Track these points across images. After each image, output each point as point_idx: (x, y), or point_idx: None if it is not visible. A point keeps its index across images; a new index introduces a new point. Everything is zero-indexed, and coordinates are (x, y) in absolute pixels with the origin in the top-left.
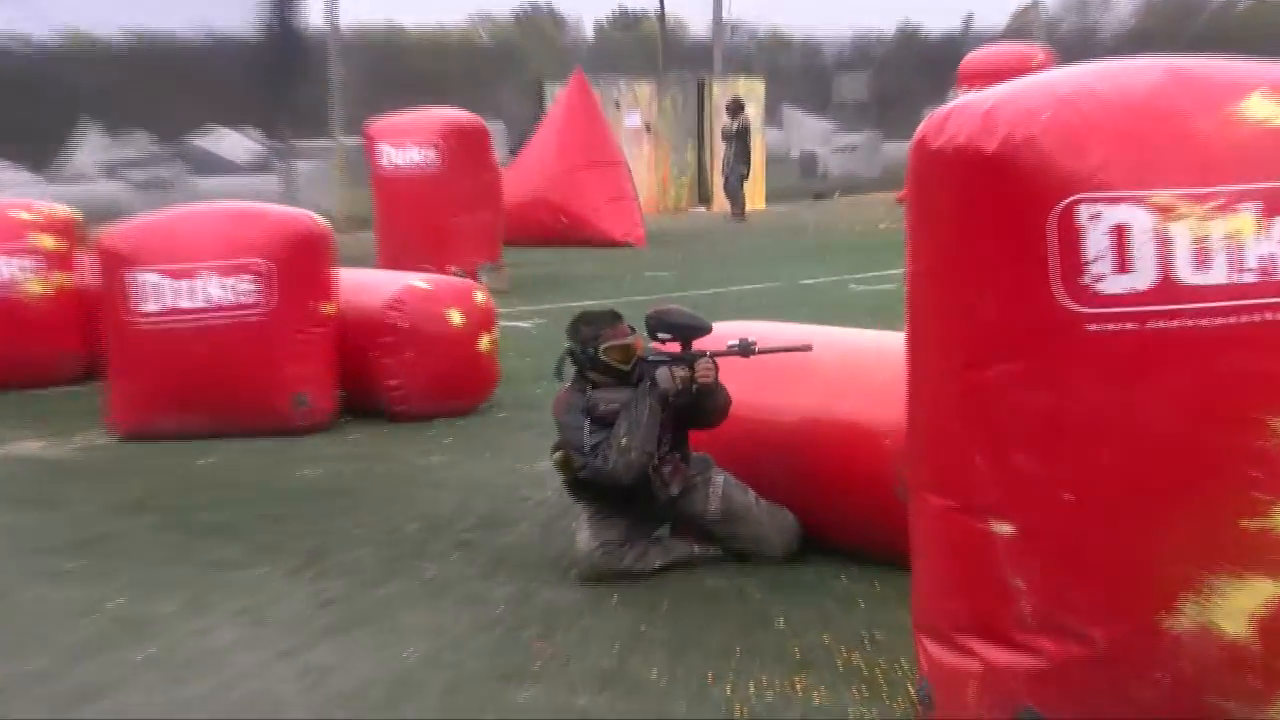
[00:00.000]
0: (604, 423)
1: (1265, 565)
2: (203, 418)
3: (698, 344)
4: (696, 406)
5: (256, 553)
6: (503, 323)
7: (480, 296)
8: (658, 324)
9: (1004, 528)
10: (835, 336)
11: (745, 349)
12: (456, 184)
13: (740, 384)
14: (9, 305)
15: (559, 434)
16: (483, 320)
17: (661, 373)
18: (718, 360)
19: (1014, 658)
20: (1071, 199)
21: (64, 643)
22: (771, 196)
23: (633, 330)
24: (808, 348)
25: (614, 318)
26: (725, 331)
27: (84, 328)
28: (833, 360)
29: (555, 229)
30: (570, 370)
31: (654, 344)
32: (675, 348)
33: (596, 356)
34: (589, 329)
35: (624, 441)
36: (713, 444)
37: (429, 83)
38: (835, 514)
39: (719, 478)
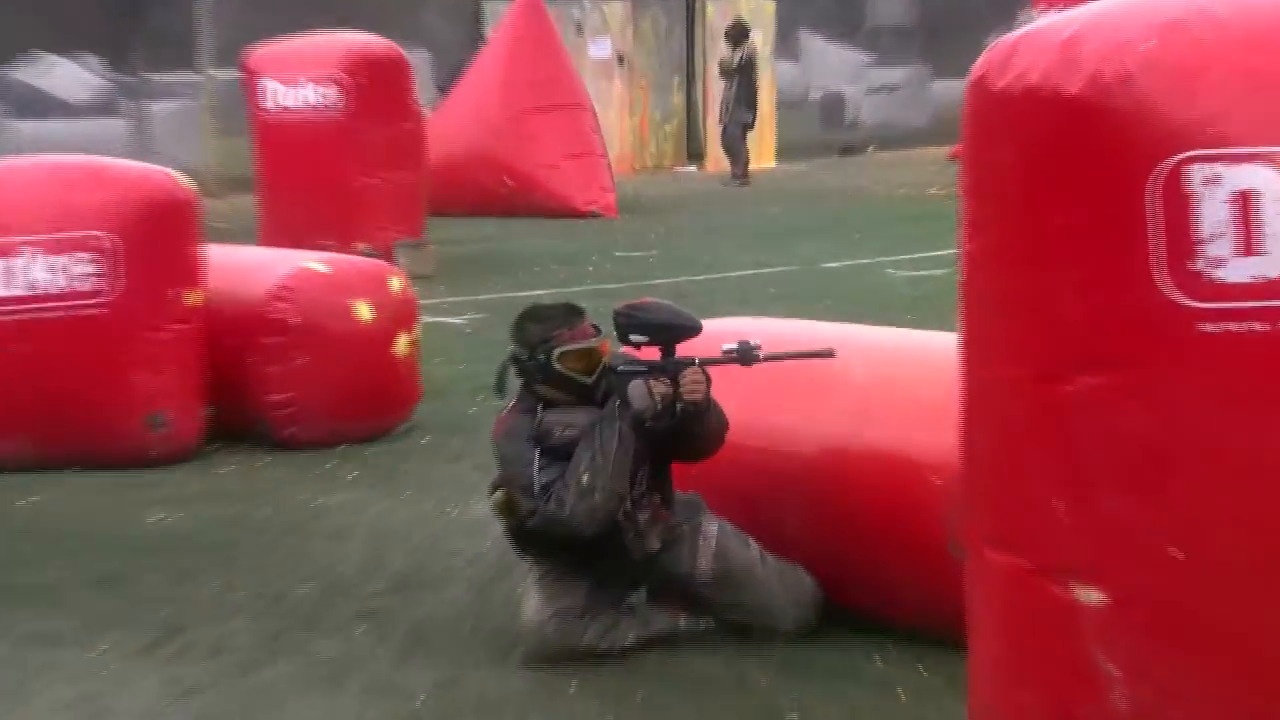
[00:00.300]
0: (559, 454)
1: None
2: (24, 443)
3: (683, 349)
4: (682, 432)
5: (94, 625)
6: (426, 318)
7: (397, 284)
8: (631, 322)
9: (1092, 594)
10: (866, 339)
11: (746, 355)
12: (365, 133)
13: (740, 402)
14: None
15: (500, 468)
16: (400, 315)
17: (636, 387)
18: (710, 370)
19: None
20: (1180, 157)
21: None
22: (784, 152)
23: (598, 331)
24: (830, 354)
25: (572, 314)
26: (720, 332)
27: None
28: (863, 370)
29: (497, 194)
30: (515, 384)
31: (626, 349)
32: (655, 354)
33: (549, 365)
34: (539, 328)
35: (585, 480)
36: (704, 482)
37: None
38: (867, 574)
39: (712, 526)
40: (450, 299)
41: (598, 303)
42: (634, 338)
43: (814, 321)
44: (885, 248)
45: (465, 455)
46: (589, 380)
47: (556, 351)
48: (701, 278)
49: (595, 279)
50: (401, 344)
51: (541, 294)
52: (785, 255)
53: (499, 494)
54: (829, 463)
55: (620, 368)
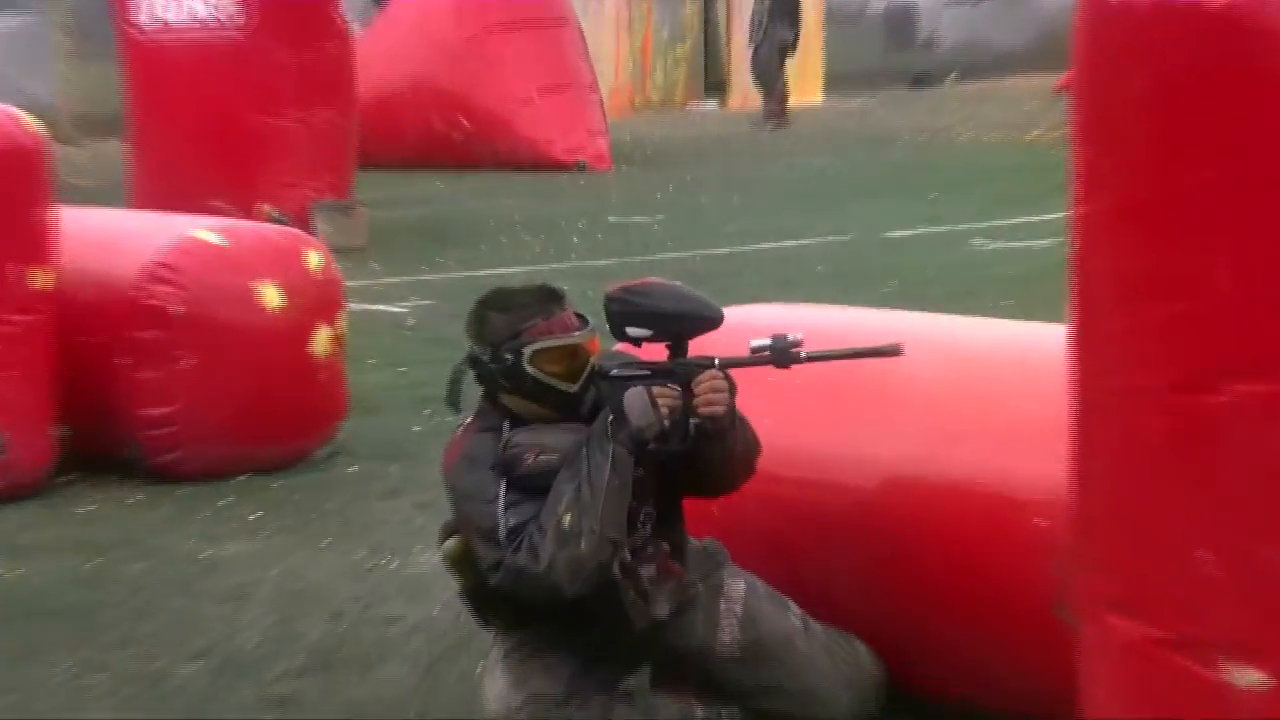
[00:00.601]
0: (533, 487)
1: None
2: None
3: (697, 346)
4: (698, 457)
5: None
6: (355, 306)
7: (316, 260)
8: (629, 311)
9: (1249, 676)
10: (945, 334)
11: (783, 354)
12: (272, 59)
13: (776, 418)
14: None
15: (453, 507)
16: (319, 302)
17: (635, 398)
18: (734, 375)
19: None
20: None
21: None
22: (835, 83)
23: (584, 322)
24: (896, 351)
25: (550, 300)
26: (748, 324)
27: None
28: (940, 375)
29: (450, 139)
30: (474, 394)
31: (621, 346)
32: (660, 353)
33: (519, 369)
34: (506, 320)
35: (568, 522)
36: (727, 524)
37: None
38: (945, 647)
39: (738, 585)
40: (387, 280)
41: (584, 285)
42: (632, 331)
43: (874, 310)
44: (971, 211)
45: (406, 489)
46: (572, 388)
47: (529, 350)
48: (724, 251)
49: (582, 253)
50: (321, 341)
51: (510, 273)
52: (836, 221)
53: (452, 542)
54: (895, 500)
55: (614, 372)
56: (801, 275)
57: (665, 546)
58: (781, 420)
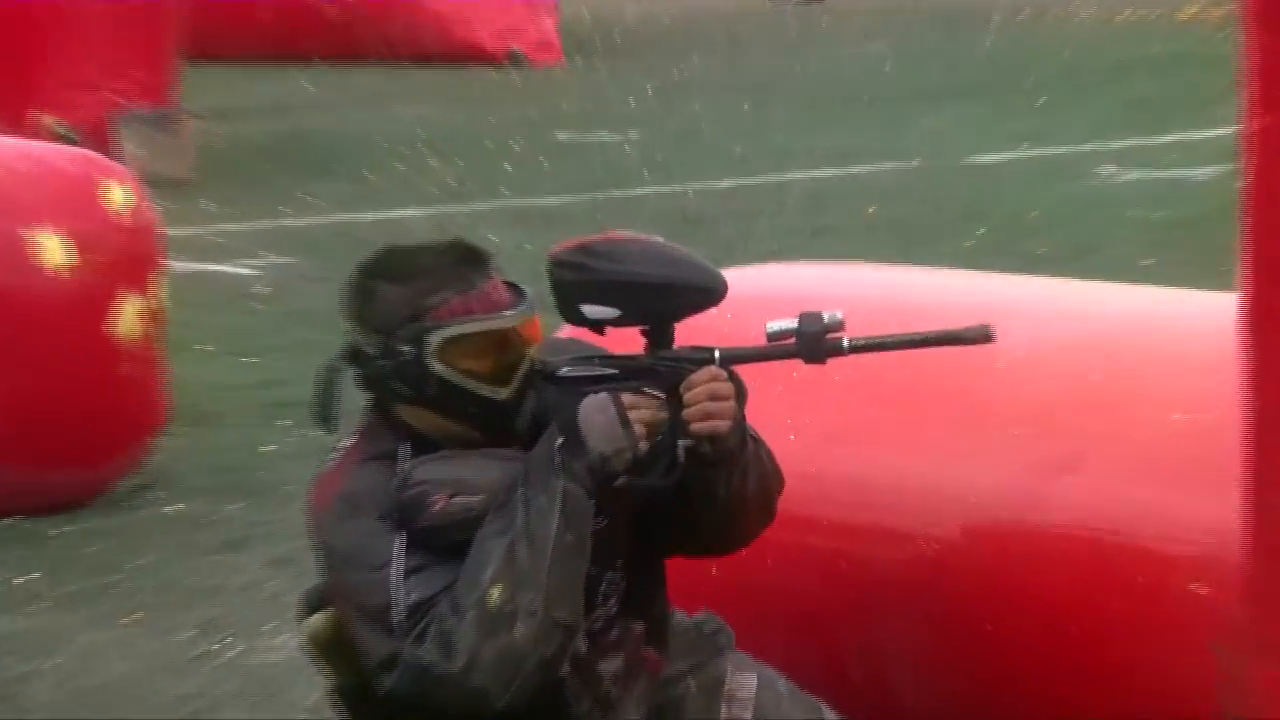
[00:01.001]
0: (443, 545)
1: None
2: None
3: (687, 331)
4: (690, 497)
5: None
6: (179, 266)
7: (120, 197)
8: (585, 281)
9: None
10: (1055, 308)
11: (816, 342)
12: None
13: (806, 434)
14: None
15: (323, 570)
16: (125, 260)
17: (595, 411)
18: (743, 374)
19: None
20: None
21: None
22: None
23: (519, 296)
24: (984, 336)
25: (466, 263)
26: (762, 293)
27: None
28: (1048, 370)
29: (321, 21)
30: (358, 404)
31: (572, 330)
32: (632, 342)
33: (422, 365)
34: (402, 293)
35: (496, 597)
36: (734, 591)
37: None
38: None
39: (747, 680)
40: (227, 227)
41: (521, 236)
42: (591, 311)
43: (950, 272)
44: (1096, 126)
45: (253, 539)
46: (501, 394)
47: (436, 339)
48: (729, 185)
49: (517, 188)
50: (127, 317)
51: (409, 218)
52: (896, 140)
53: (320, 618)
54: (981, 554)
55: (564, 371)
56: (844, 220)
57: (638, 628)
58: (814, 439)
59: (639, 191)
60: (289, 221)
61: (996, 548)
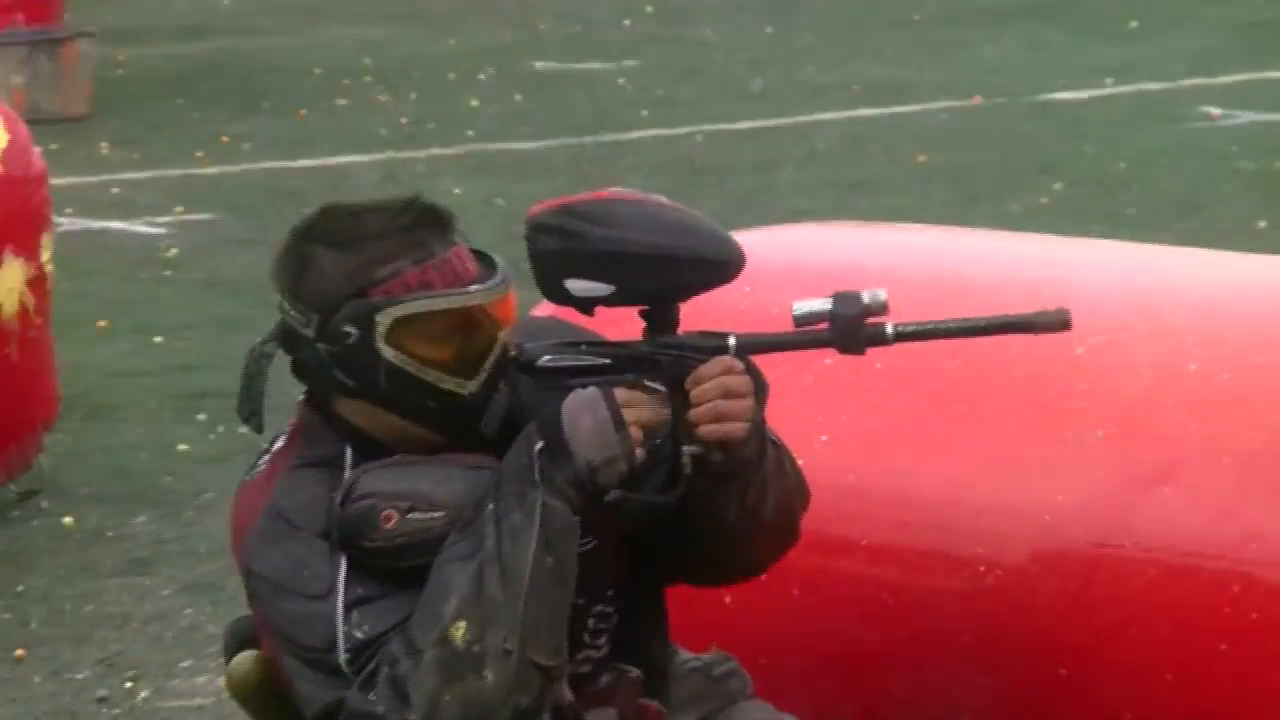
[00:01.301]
0: (396, 570)
1: None
2: None
3: (694, 313)
4: (696, 516)
5: None
6: (72, 224)
7: None
8: (571, 251)
9: None
10: (1148, 281)
11: (853, 328)
12: None
13: (840, 436)
14: None
15: (253, 601)
16: (3, 218)
17: (582, 410)
18: (763, 365)
19: None
20: None
21: None
22: None
23: (488, 267)
24: (1060, 322)
25: (423, 224)
26: (785, 262)
27: None
28: (1139, 359)
29: None
30: (290, 395)
31: (552, 308)
32: (627, 326)
33: (369, 351)
34: (345, 261)
35: (461, 635)
36: (750, 625)
37: None
38: None
39: None
40: (130, 175)
41: (491, 188)
42: (577, 286)
43: (1019, 237)
44: (1197, 57)
45: (164, 558)
46: (466, 388)
47: (387, 318)
48: (746, 126)
49: (486, 130)
50: (7, 286)
51: (351, 163)
52: (953, 73)
53: (246, 658)
54: (1056, 583)
55: (544, 361)
56: (889, 170)
57: (633, 673)
58: (850, 443)
59: (635, 135)
60: (204, 170)
61: (1073, 576)
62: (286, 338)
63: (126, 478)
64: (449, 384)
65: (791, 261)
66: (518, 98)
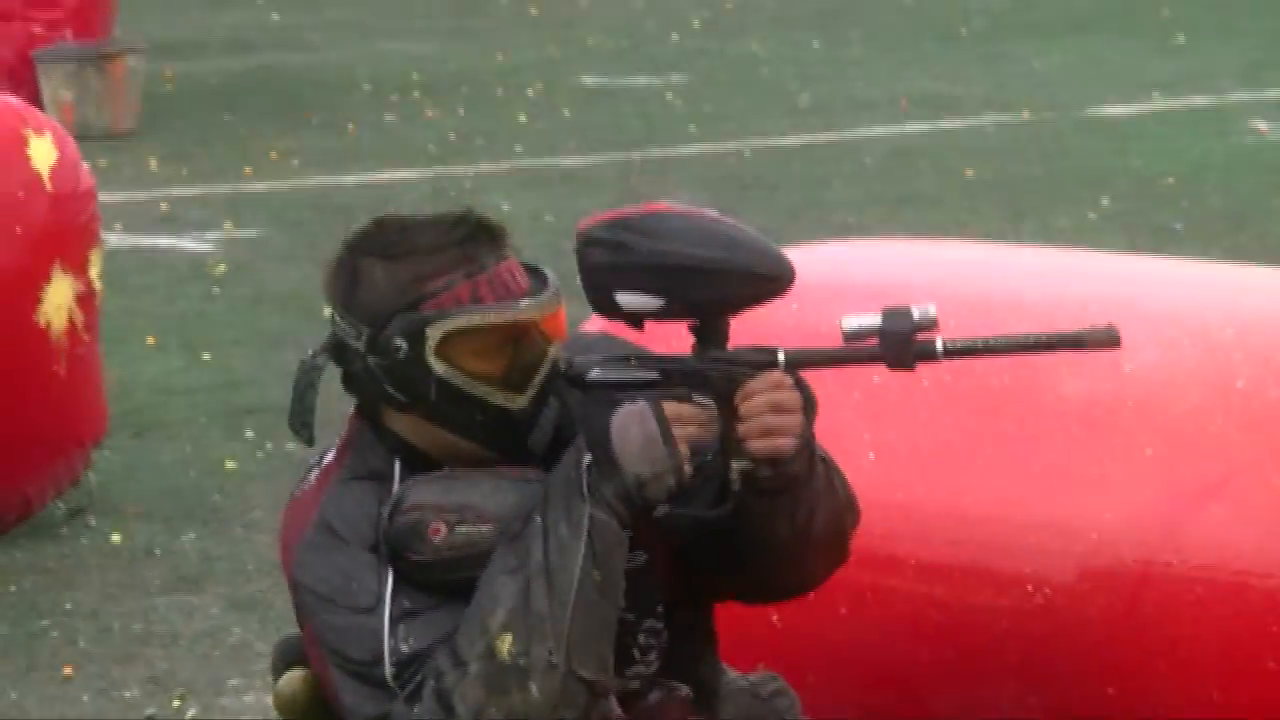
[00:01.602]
0: (443, 584)
1: None
2: None
3: (744, 329)
4: (745, 531)
5: None
6: (120, 240)
7: (45, 155)
8: (621, 264)
9: None
10: (1200, 297)
11: (903, 343)
12: None
13: (888, 451)
14: None
15: (301, 615)
16: (53, 234)
17: (631, 424)
18: (812, 381)
19: None
20: None
21: None
22: None
23: (539, 281)
24: (1109, 339)
25: (474, 238)
26: (832, 276)
27: None
28: (1189, 371)
29: None
30: (342, 409)
31: (602, 324)
32: (676, 340)
33: (419, 365)
34: (394, 274)
35: (508, 648)
36: (799, 643)
37: None
38: None
39: None
40: (179, 191)
41: (539, 203)
42: (627, 300)
43: (1066, 252)
44: (1247, 69)
45: (212, 576)
46: (515, 403)
47: (437, 331)
48: (795, 142)
49: (534, 144)
50: (56, 303)
51: (401, 180)
52: (1001, 86)
53: (295, 676)
54: (1106, 601)
55: (593, 375)
56: (937, 184)
57: (683, 691)
58: (899, 460)
59: (683, 150)
60: (253, 185)
61: (1121, 594)
62: (337, 350)
63: (175, 495)
64: (498, 398)
65: (839, 277)
66: (566, 112)
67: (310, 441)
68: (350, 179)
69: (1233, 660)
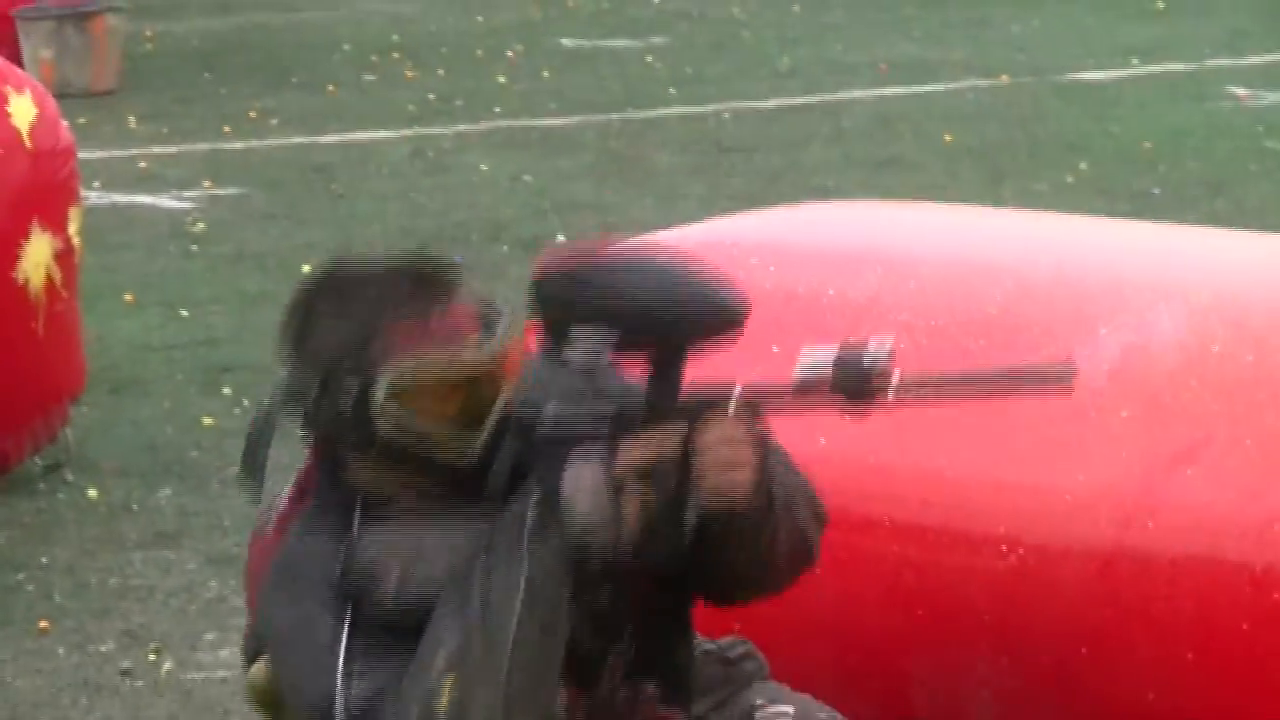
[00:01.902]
0: (398, 629)
1: None
2: None
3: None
4: (709, 560)
5: None
6: (99, 198)
7: (25, 113)
8: (575, 299)
9: None
10: (1170, 258)
11: (860, 381)
12: None
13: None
14: None
15: (264, 645)
16: (32, 191)
17: (576, 477)
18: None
19: None
20: None
21: None
22: None
23: (491, 320)
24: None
25: (427, 280)
26: (799, 242)
27: None
28: (1164, 335)
29: None
30: (293, 452)
31: (538, 349)
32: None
33: (372, 411)
34: (340, 322)
35: (445, 700)
36: (767, 606)
37: None
38: None
39: (781, 714)
40: (158, 150)
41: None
42: (580, 334)
43: (1045, 215)
44: (1225, 36)
45: (189, 531)
46: (470, 445)
47: (386, 380)
48: (774, 105)
49: (513, 106)
50: (36, 260)
51: (377, 139)
52: (981, 51)
53: (262, 667)
54: (1078, 565)
55: (544, 425)
56: (916, 148)
57: (652, 689)
58: (874, 422)
59: (663, 112)
60: (232, 144)
61: (1095, 556)
62: (291, 396)
63: (152, 451)
64: (453, 442)
65: (817, 240)
66: (545, 74)
67: (257, 499)
68: (330, 138)
69: (1206, 620)
